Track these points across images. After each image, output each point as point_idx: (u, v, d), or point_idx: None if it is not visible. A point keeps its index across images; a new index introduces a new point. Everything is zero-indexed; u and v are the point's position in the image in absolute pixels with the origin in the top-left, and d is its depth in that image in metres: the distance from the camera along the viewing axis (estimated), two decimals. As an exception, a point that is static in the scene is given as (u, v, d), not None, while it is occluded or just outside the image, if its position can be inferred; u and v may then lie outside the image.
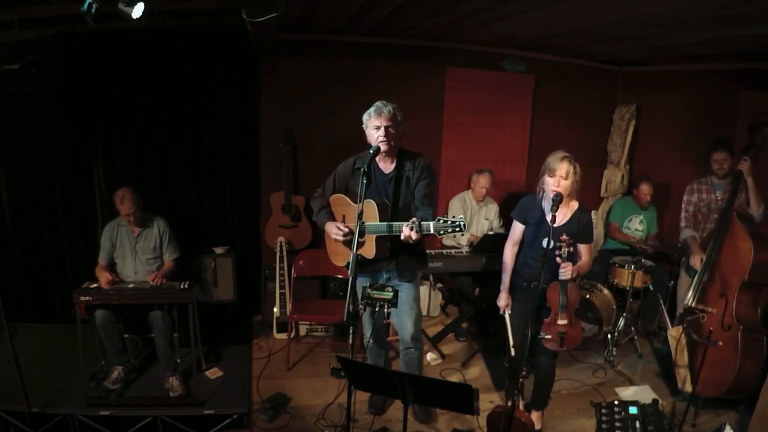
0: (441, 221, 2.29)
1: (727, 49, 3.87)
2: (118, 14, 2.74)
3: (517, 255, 3.01)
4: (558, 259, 2.65)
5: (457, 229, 2.25)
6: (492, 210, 4.61)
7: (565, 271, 2.67)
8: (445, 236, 4.60)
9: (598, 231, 5.12)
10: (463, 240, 4.38)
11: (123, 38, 3.77)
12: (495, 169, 5.10)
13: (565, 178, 2.69)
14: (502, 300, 3.02)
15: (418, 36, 4.42)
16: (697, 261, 3.40)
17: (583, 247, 2.86)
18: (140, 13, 2.78)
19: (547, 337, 2.76)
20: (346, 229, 2.72)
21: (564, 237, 2.64)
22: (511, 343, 2.94)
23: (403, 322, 2.93)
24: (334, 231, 2.76)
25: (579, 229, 2.80)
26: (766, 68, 4.06)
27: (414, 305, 2.93)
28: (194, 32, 3.97)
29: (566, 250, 2.64)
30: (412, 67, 4.68)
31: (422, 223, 2.35)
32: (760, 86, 4.13)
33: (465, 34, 4.29)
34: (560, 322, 2.73)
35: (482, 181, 4.44)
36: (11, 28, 3.35)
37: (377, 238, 2.61)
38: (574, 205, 2.84)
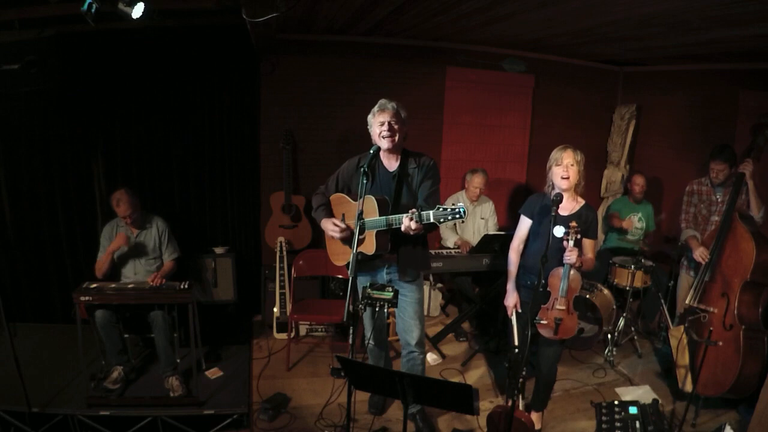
0: (440, 209, 2.28)
1: (727, 49, 3.87)
2: (118, 14, 2.73)
3: (523, 254, 2.99)
4: (565, 243, 2.64)
5: (457, 216, 2.24)
6: (487, 209, 4.57)
7: (571, 256, 2.64)
8: (441, 239, 4.60)
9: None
10: (450, 242, 4.35)
11: (123, 38, 3.76)
12: (495, 169, 5.11)
13: (573, 165, 2.72)
14: (510, 299, 2.96)
15: (418, 36, 4.42)
16: (699, 254, 3.34)
17: (587, 243, 2.84)
18: (140, 13, 2.77)
19: (543, 322, 2.75)
20: (344, 225, 2.72)
21: (573, 223, 2.63)
22: (516, 340, 2.92)
23: (408, 326, 2.90)
24: (331, 227, 2.75)
25: (585, 224, 2.79)
26: (766, 68, 4.06)
27: (419, 309, 2.91)
28: (194, 32, 3.96)
29: (574, 236, 2.63)
30: (412, 67, 4.68)
31: (422, 212, 2.34)
32: (760, 86, 4.12)
33: (465, 34, 4.29)
34: (558, 307, 2.72)
35: (476, 181, 4.41)
36: (11, 28, 3.34)
37: (377, 233, 2.60)
38: (581, 201, 2.85)
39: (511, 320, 2.98)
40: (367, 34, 4.31)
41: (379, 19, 3.75)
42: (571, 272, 2.71)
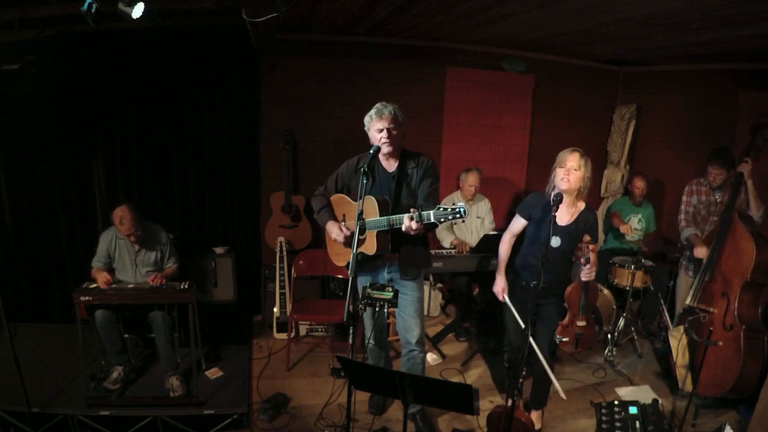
0: (441, 209, 2.29)
1: (727, 49, 3.87)
2: (118, 14, 2.74)
3: (518, 252, 3.00)
4: (582, 260, 2.66)
5: (458, 215, 2.25)
6: (483, 207, 4.56)
7: (590, 273, 2.66)
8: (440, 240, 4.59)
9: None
10: (446, 242, 4.35)
11: (123, 38, 3.76)
12: (494, 169, 5.10)
13: (576, 170, 2.69)
14: (498, 284, 3.01)
15: (418, 36, 4.42)
16: (701, 252, 3.33)
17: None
18: (140, 13, 2.78)
19: (564, 339, 2.75)
20: (348, 232, 2.72)
21: (587, 238, 2.64)
22: (521, 323, 2.88)
23: (409, 324, 2.90)
24: (335, 232, 2.76)
25: (585, 229, 2.79)
26: (766, 68, 4.06)
27: (420, 307, 2.91)
28: (194, 32, 3.96)
29: (590, 253, 2.64)
30: (412, 67, 4.68)
31: (422, 212, 2.35)
32: (760, 86, 4.12)
33: (465, 34, 4.29)
34: (579, 323, 2.73)
35: (471, 180, 4.39)
36: (11, 28, 3.35)
37: (378, 234, 2.61)
38: (581, 205, 2.83)
39: (507, 304, 2.98)
40: (367, 34, 4.31)
41: (379, 19, 3.74)
42: (590, 286, 2.72)
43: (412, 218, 2.36)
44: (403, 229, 2.43)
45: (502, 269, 3.03)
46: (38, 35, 3.47)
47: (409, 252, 2.79)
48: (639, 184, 4.52)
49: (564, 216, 2.78)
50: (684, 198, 3.71)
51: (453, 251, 4.16)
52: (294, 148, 4.39)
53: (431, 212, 2.31)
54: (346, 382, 2.31)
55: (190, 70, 4.07)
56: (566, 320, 2.79)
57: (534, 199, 2.94)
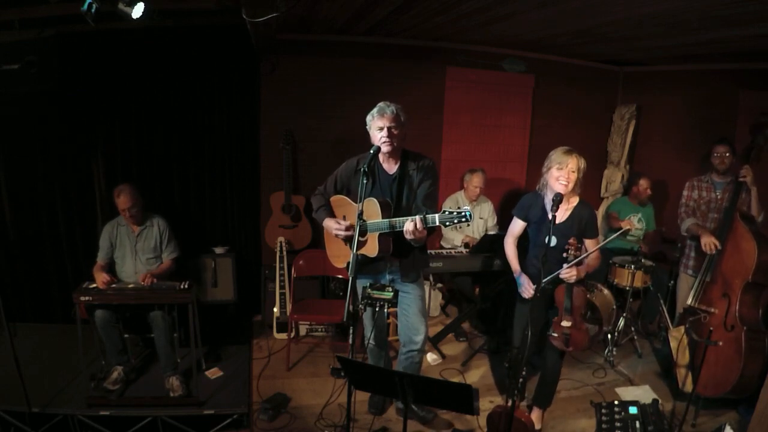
0: (446, 213, 2.28)
1: (727, 49, 3.87)
2: (118, 14, 2.74)
3: (526, 257, 2.99)
4: (565, 264, 2.64)
5: (463, 219, 2.24)
6: (486, 209, 4.58)
7: (569, 276, 2.65)
8: (442, 239, 4.60)
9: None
10: (458, 240, 4.36)
11: (123, 38, 3.77)
12: (495, 169, 5.10)
13: (574, 172, 2.67)
14: (525, 288, 2.86)
15: (418, 36, 4.42)
16: (707, 240, 3.28)
17: (589, 242, 2.83)
18: (140, 13, 2.78)
19: (554, 335, 2.77)
20: (347, 223, 2.71)
21: (572, 240, 2.63)
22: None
23: (414, 323, 2.90)
24: (335, 226, 2.75)
25: (581, 225, 2.79)
26: (766, 68, 4.06)
27: (423, 306, 2.91)
28: (194, 32, 3.96)
29: (573, 253, 2.62)
30: (412, 67, 4.68)
31: (427, 215, 2.34)
32: (760, 86, 4.13)
33: (465, 34, 4.29)
34: (564, 324, 2.73)
35: (475, 181, 4.41)
36: (11, 28, 3.35)
37: (380, 236, 2.60)
38: (575, 201, 2.82)
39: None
40: (367, 34, 4.31)
41: (379, 19, 3.75)
42: (574, 289, 2.71)
43: (415, 221, 2.36)
44: (405, 233, 2.42)
45: (517, 269, 2.95)
46: (38, 35, 3.47)
47: (410, 255, 2.79)
48: (644, 185, 4.48)
49: (559, 214, 2.76)
50: (685, 193, 3.71)
51: (453, 251, 4.17)
52: (294, 148, 4.39)
53: (436, 216, 2.31)
54: (346, 382, 2.31)
55: (190, 70, 4.07)
56: (557, 318, 2.80)
57: (529, 199, 2.92)
